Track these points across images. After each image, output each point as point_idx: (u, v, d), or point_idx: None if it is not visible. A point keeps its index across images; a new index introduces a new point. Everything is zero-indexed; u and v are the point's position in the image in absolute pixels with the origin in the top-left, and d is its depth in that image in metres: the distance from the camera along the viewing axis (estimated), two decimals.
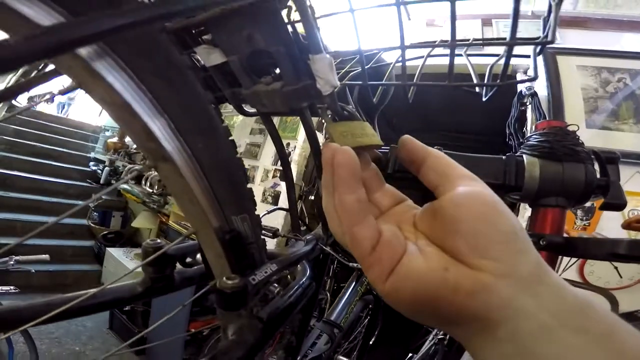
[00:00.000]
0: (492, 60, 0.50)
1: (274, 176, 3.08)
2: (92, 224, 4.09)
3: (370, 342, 1.71)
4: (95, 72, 0.22)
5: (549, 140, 0.57)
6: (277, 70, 0.33)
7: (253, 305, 0.33)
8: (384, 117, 3.89)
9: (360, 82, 0.35)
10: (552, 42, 0.30)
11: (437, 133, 4.16)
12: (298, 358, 1.04)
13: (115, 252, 3.43)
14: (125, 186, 3.71)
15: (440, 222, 0.23)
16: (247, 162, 3.44)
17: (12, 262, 2.08)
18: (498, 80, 0.33)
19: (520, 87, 1.86)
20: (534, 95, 1.78)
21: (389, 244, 0.23)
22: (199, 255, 0.44)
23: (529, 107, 1.82)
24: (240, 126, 3.59)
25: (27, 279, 2.80)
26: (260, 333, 0.34)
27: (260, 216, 0.94)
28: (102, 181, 4.46)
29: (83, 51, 0.21)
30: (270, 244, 0.45)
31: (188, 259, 0.45)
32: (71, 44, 0.16)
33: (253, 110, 0.39)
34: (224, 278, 0.31)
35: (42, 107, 5.39)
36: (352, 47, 0.33)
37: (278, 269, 0.35)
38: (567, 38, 2.07)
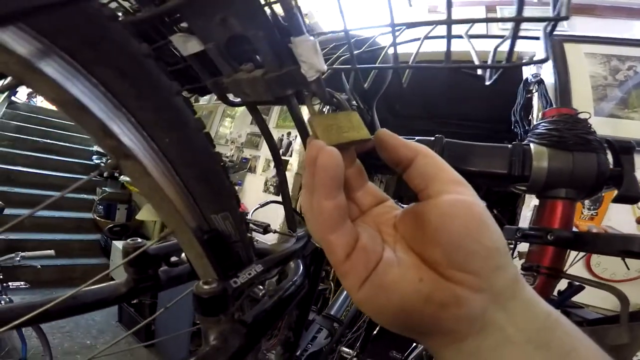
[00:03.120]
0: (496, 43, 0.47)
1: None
2: (97, 217, 4.11)
3: (374, 332, 1.70)
4: (33, 66, 0.19)
5: (559, 129, 0.53)
6: (259, 57, 0.30)
7: (235, 310, 0.30)
8: (386, 102, 3.85)
9: (349, 66, 0.32)
10: (565, 18, 0.27)
11: (440, 120, 4.10)
12: (298, 352, 1.03)
13: (121, 245, 3.43)
14: (128, 178, 3.70)
15: (421, 228, 0.21)
16: (249, 152, 3.43)
17: (18, 259, 2.11)
18: (504, 62, 0.30)
19: (526, 74, 1.81)
20: (540, 82, 1.74)
21: (365, 251, 0.21)
22: (184, 254, 0.41)
23: (535, 94, 1.78)
24: (242, 116, 3.57)
25: (37, 274, 2.85)
26: (244, 338, 0.32)
27: (254, 210, 0.92)
28: (105, 174, 4.46)
29: (17, 46, 0.18)
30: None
31: (174, 258, 0.43)
32: None
33: (238, 100, 0.36)
34: (201, 282, 0.28)
35: (43, 102, 5.38)
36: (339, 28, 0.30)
37: (263, 270, 0.33)
38: (574, 25, 2.01)
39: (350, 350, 1.25)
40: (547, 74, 1.80)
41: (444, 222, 0.20)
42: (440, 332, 0.20)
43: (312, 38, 0.28)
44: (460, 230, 0.20)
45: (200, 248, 0.30)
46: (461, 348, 0.20)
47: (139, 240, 0.38)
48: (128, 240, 0.38)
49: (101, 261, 3.76)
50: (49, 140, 4.47)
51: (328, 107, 0.37)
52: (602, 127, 1.67)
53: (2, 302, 1.95)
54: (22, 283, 2.07)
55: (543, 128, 0.55)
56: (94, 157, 4.79)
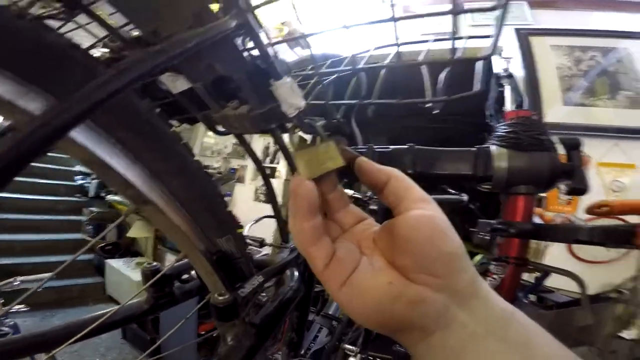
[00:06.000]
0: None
1: None
2: (87, 238, 4.07)
3: None
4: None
5: (516, 131, 0.59)
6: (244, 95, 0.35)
7: (245, 315, 0.36)
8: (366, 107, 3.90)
9: (323, 102, 0.38)
10: (503, 6, 0.30)
11: (425, 117, 4.17)
12: (302, 351, 1.07)
13: (115, 264, 3.44)
14: (116, 198, 3.70)
15: (393, 239, 0.25)
16: (236, 162, 3.42)
17: (17, 283, 2.10)
18: (444, 97, 0.36)
19: (497, 69, 1.89)
20: (510, 76, 1.81)
21: (340, 261, 0.26)
22: (194, 272, 0.47)
23: (508, 88, 1.85)
24: None
25: (36, 296, 2.81)
26: (255, 337, 0.37)
27: (249, 227, 0.96)
28: (91, 194, 4.41)
29: None
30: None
31: (185, 276, 0.48)
32: (66, 128, 0.18)
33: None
34: (216, 295, 0.34)
35: None
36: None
37: (264, 280, 0.38)
38: (539, 18, 2.11)
39: (353, 347, 1.30)
40: (517, 67, 1.89)
41: (411, 234, 0.24)
42: (410, 329, 0.24)
43: (289, 80, 0.32)
44: (425, 239, 0.23)
45: (210, 267, 0.36)
46: (430, 343, 0.23)
47: (155, 263, 0.44)
48: (145, 264, 0.44)
49: (96, 280, 3.72)
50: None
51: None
52: (572, 116, 1.75)
53: (7, 326, 1.95)
54: (22, 306, 2.06)
55: (503, 131, 0.61)
56: (77, 177, 4.65)
